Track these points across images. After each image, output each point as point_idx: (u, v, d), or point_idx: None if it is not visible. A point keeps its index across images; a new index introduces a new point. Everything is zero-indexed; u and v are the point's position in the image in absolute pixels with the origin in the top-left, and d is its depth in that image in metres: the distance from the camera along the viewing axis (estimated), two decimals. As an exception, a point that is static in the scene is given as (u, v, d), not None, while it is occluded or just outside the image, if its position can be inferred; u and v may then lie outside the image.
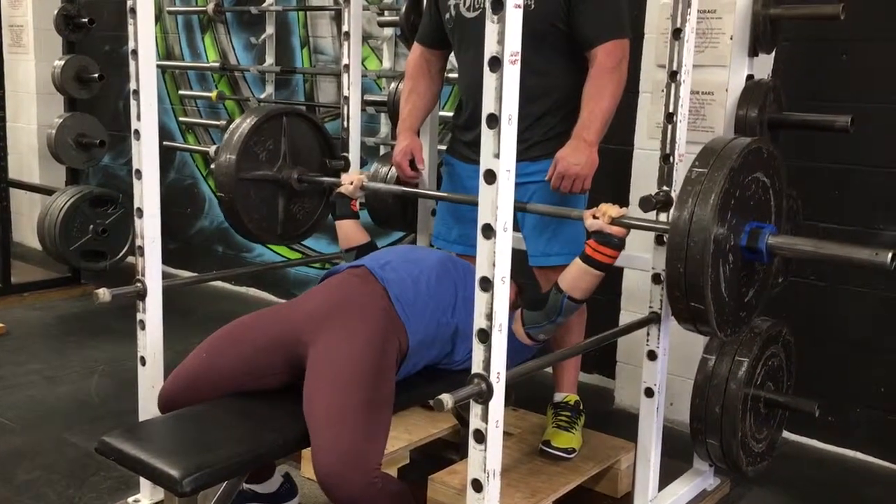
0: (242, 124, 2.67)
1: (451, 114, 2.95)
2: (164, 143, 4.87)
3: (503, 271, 1.52)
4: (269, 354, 2.04)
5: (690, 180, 1.85)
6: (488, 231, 1.50)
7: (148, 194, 2.20)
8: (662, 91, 2.17)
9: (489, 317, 1.52)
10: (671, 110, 2.16)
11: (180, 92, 5.06)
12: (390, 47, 4.01)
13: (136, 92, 2.15)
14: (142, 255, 2.23)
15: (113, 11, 5.10)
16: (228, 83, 4.84)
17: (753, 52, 2.43)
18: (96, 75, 4.62)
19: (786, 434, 2.93)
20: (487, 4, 1.42)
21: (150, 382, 2.28)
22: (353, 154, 2.91)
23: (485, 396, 1.55)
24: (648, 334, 2.24)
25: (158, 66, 4.26)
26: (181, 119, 5.08)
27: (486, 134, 1.46)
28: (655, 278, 2.21)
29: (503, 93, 1.44)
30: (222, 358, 2.05)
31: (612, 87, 2.40)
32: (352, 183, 2.62)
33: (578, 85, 2.43)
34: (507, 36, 1.42)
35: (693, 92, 2.32)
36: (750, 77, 2.44)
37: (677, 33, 2.12)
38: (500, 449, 1.62)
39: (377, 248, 2.53)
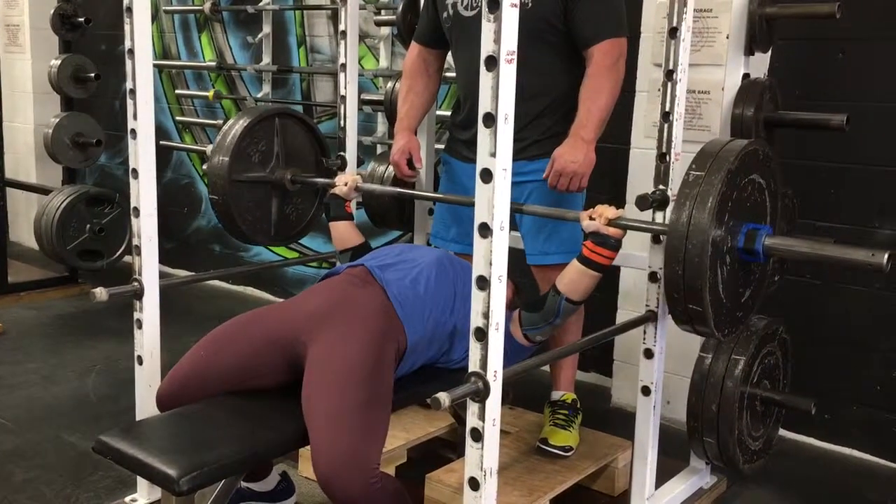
0: (235, 126, 2.66)
1: (448, 113, 2.95)
2: (161, 142, 4.88)
3: (500, 270, 1.52)
4: (267, 353, 2.04)
5: (688, 183, 1.85)
6: (485, 230, 1.50)
7: (145, 194, 2.20)
8: (659, 90, 2.18)
9: (486, 315, 1.52)
10: (667, 109, 2.16)
11: (177, 91, 5.06)
12: (387, 46, 4.02)
13: (133, 91, 2.14)
14: (139, 254, 2.23)
15: (109, 11, 5.10)
16: (225, 82, 4.84)
17: (749, 51, 2.43)
18: (93, 75, 4.62)
19: (782, 432, 2.93)
20: (484, 3, 1.42)
21: (148, 381, 2.28)
22: (350, 153, 2.91)
23: (482, 395, 1.55)
24: (645, 333, 2.24)
25: (155, 65, 4.25)
26: (178, 118, 5.08)
27: (483, 133, 1.47)
28: (652, 277, 2.21)
29: (500, 92, 1.44)
30: (220, 356, 2.05)
31: (609, 85, 2.40)
32: (346, 184, 2.61)
33: (576, 84, 2.44)
34: (503, 35, 1.42)
35: (689, 91, 2.32)
36: (746, 76, 2.45)
37: (673, 32, 2.12)
38: (497, 447, 1.62)
39: (372, 250, 2.53)
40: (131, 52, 2.13)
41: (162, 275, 2.30)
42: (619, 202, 3.16)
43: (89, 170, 5.51)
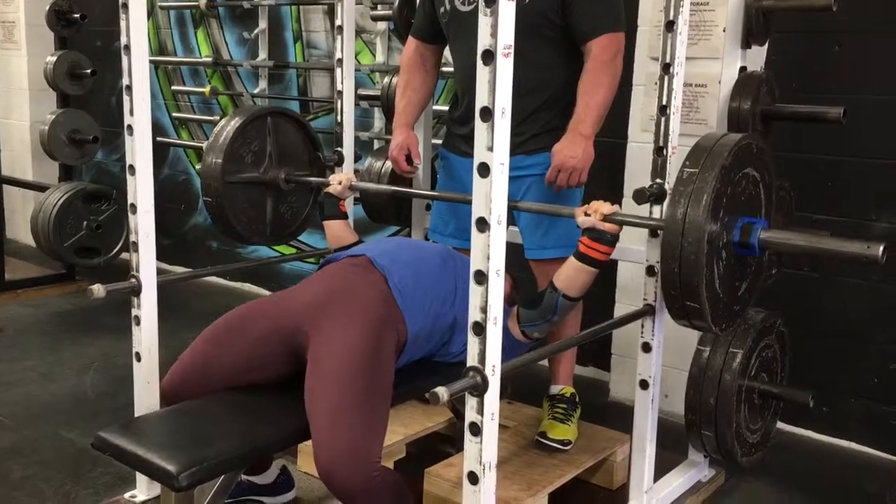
0: (227, 127, 2.66)
1: (445, 108, 2.95)
2: (158, 138, 4.88)
3: (498, 264, 1.52)
4: (269, 343, 2.04)
5: (682, 180, 1.85)
6: (482, 224, 1.50)
7: (142, 190, 2.19)
8: (655, 84, 2.18)
9: (484, 310, 1.52)
10: (664, 103, 2.16)
11: (173, 87, 5.05)
12: (384, 41, 4.01)
13: (129, 87, 2.14)
14: (136, 250, 2.23)
15: (105, 7, 5.08)
16: (221, 78, 4.83)
17: (746, 44, 2.43)
18: (88, 71, 4.61)
19: (780, 425, 2.93)
20: (481, -2, 1.42)
21: (146, 378, 2.28)
22: (347, 149, 2.90)
23: (480, 389, 1.55)
24: (643, 326, 2.24)
25: (151, 61, 4.24)
26: (174, 115, 5.07)
27: (480, 127, 1.46)
28: (650, 270, 2.21)
29: (497, 86, 1.44)
30: (222, 349, 2.05)
31: (607, 80, 2.40)
32: (340, 183, 2.61)
33: (574, 78, 2.43)
34: (500, 29, 1.42)
35: (686, 84, 2.32)
36: (743, 69, 2.45)
37: (670, 25, 2.12)
38: (496, 441, 1.62)
39: None
40: (127, 48, 2.12)
41: (159, 271, 2.29)
42: (617, 196, 3.16)
43: (86, 166, 5.50)
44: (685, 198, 1.82)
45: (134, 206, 2.21)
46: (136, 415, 2.26)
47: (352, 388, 1.86)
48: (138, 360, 2.29)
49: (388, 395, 1.95)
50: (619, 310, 3.23)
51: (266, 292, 4.67)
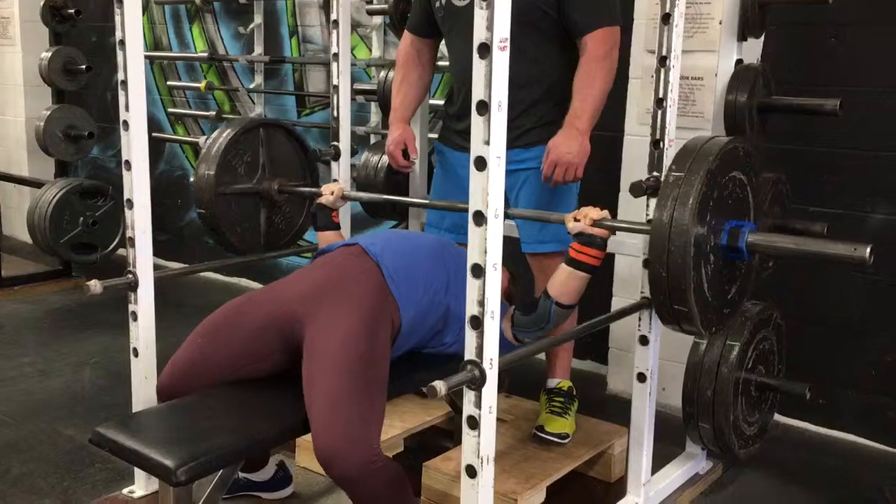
0: (219, 138, 2.69)
1: (441, 102, 2.94)
2: (154, 134, 4.86)
3: (495, 258, 1.52)
4: (265, 335, 2.04)
5: (668, 184, 1.84)
6: (479, 218, 1.50)
7: (138, 185, 2.19)
8: (652, 77, 2.17)
9: (482, 303, 1.52)
10: (661, 96, 2.16)
11: (169, 83, 5.04)
12: (379, 36, 4.00)
13: (124, 83, 2.13)
14: (132, 246, 2.23)
15: (99, 2, 5.08)
16: (217, 73, 4.82)
17: (742, 37, 2.43)
18: (84, 66, 4.60)
19: (777, 417, 2.95)
20: (476, -9, 1.42)
21: (143, 373, 2.28)
22: (343, 143, 2.90)
23: (478, 383, 1.56)
24: (640, 319, 2.24)
25: (146, 56, 4.24)
26: (170, 110, 5.06)
27: (477, 120, 1.46)
28: (646, 264, 2.21)
29: (493, 79, 1.44)
30: (218, 342, 2.05)
31: (602, 74, 2.40)
32: (332, 193, 2.61)
33: (570, 72, 2.43)
34: (495, 22, 1.42)
35: (682, 77, 2.32)
36: (739, 62, 2.45)
37: (666, 18, 2.12)
38: (494, 435, 1.63)
39: None
40: (122, 43, 2.11)
41: (156, 267, 2.29)
42: (614, 189, 3.16)
43: (81, 162, 5.49)
44: (672, 201, 1.81)
45: (130, 202, 2.20)
46: (133, 410, 2.27)
47: (349, 375, 1.87)
48: (136, 355, 2.29)
49: (384, 381, 1.95)
50: (617, 303, 3.23)
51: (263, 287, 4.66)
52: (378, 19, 3.95)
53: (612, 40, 2.41)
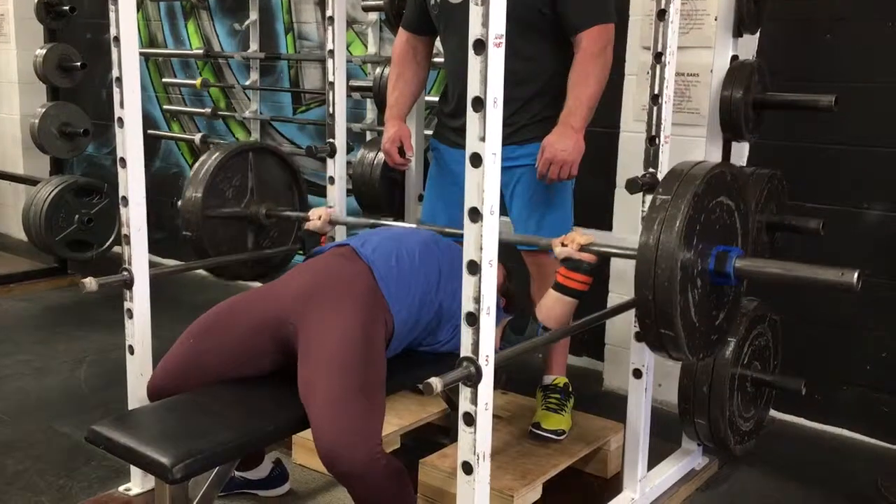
0: (208, 161, 2.69)
1: (436, 98, 2.94)
2: (149, 131, 4.86)
3: (490, 255, 1.52)
4: (256, 336, 2.03)
5: (655, 207, 1.82)
6: (475, 215, 1.50)
7: (133, 183, 2.19)
8: (647, 73, 2.18)
9: (477, 300, 1.52)
10: (656, 92, 2.16)
11: (164, 80, 5.02)
12: (375, 32, 4.00)
13: (119, 80, 2.13)
14: (128, 243, 2.22)
15: (94, -1, 5.06)
16: (212, 70, 4.81)
17: (738, 33, 2.43)
18: (78, 64, 4.58)
19: (773, 413, 2.95)
20: (471, -13, 1.41)
21: (139, 371, 2.28)
22: (339, 140, 2.90)
23: (474, 379, 1.55)
24: (636, 316, 2.24)
25: (141, 53, 4.23)
26: (165, 107, 5.05)
27: (472, 117, 1.46)
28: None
29: (488, 75, 1.44)
30: (210, 343, 2.04)
31: (597, 72, 2.40)
32: (319, 217, 2.61)
33: (564, 69, 2.43)
34: (491, 18, 1.41)
35: (678, 73, 2.32)
36: (735, 58, 2.45)
37: (662, 14, 2.12)
38: (490, 431, 1.63)
39: None
40: (117, 39, 2.11)
41: (151, 264, 2.29)
42: (610, 186, 3.16)
43: (77, 160, 5.48)
44: (658, 224, 1.79)
45: (125, 199, 2.20)
46: (129, 408, 2.26)
47: (347, 373, 1.86)
48: (131, 352, 2.29)
49: (382, 379, 1.94)
50: (613, 300, 3.23)
51: (257, 286, 4.66)
52: (374, 16, 3.95)
53: (606, 37, 2.41)
